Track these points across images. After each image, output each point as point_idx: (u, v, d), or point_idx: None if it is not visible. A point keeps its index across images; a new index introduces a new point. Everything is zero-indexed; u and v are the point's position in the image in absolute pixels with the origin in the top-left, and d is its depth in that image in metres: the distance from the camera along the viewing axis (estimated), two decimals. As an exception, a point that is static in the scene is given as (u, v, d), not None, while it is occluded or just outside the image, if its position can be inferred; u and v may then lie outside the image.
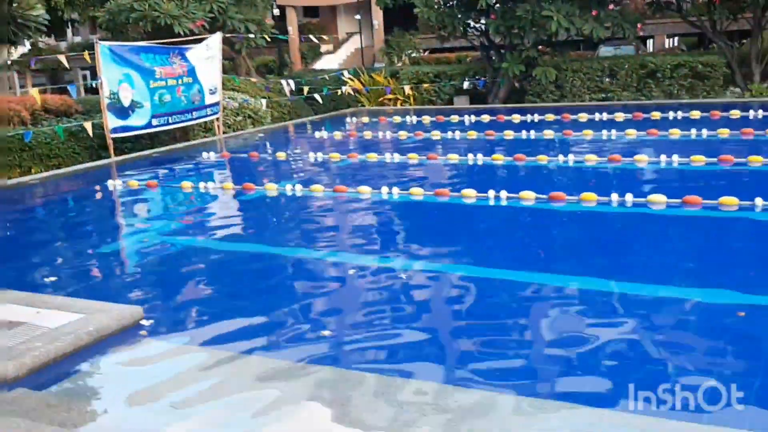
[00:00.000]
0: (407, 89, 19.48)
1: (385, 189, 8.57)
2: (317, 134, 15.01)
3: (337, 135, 14.59)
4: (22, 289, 5.43)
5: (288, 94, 18.03)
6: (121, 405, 3.69)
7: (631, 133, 11.91)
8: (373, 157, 11.21)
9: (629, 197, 7.30)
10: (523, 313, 4.86)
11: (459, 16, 18.46)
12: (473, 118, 15.81)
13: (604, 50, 23.84)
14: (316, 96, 18.21)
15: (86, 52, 12.97)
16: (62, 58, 13.03)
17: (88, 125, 12.14)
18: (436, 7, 18.56)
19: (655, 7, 18.49)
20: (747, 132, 11.35)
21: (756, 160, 8.99)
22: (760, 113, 13.38)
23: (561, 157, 10.10)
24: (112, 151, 12.52)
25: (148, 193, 9.80)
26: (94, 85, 14.17)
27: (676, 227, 6.85)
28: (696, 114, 13.75)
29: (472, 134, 13.32)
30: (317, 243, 6.94)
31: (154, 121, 13.37)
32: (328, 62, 30.89)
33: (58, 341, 4.14)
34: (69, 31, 31.43)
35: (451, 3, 18.64)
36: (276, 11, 29.45)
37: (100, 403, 3.75)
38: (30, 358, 3.96)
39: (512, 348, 4.28)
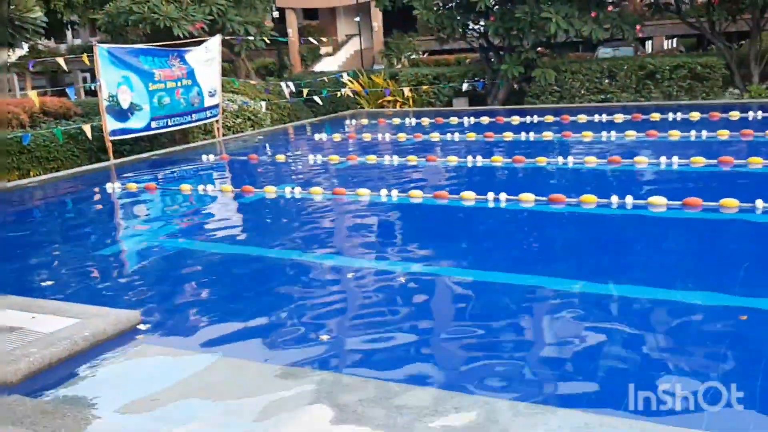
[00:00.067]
0: (406, 91, 19.45)
1: (384, 191, 8.54)
2: (317, 136, 14.98)
3: (337, 137, 14.56)
4: (18, 293, 5.40)
5: (287, 96, 18.01)
6: (118, 411, 3.65)
7: (631, 135, 11.89)
8: (372, 159, 11.19)
9: (629, 199, 7.27)
10: (523, 316, 4.84)
11: (458, 17, 18.45)
12: (472, 119, 15.79)
13: (603, 52, 23.83)
14: (316, 98, 18.19)
15: (85, 55, 12.95)
16: (61, 60, 13.01)
17: (86, 128, 12.12)
18: (435, 9, 18.55)
19: (654, 9, 18.46)
20: (746, 133, 11.32)
21: (756, 162, 8.97)
22: (760, 114, 13.36)
23: (560, 159, 10.07)
24: (111, 154, 12.50)
25: (147, 195, 9.77)
26: (93, 88, 14.12)
27: (676, 230, 6.83)
28: (695, 115, 13.73)
29: (472, 136, 13.30)
30: (316, 246, 6.91)
31: (154, 124, 13.35)
32: (328, 64, 30.88)
33: (53, 346, 4.11)
34: (69, 34, 31.45)
35: (450, 5, 18.63)
36: (275, 13, 29.42)
37: (96, 410, 3.72)
38: (25, 364, 3.93)
39: (512, 352, 4.24)
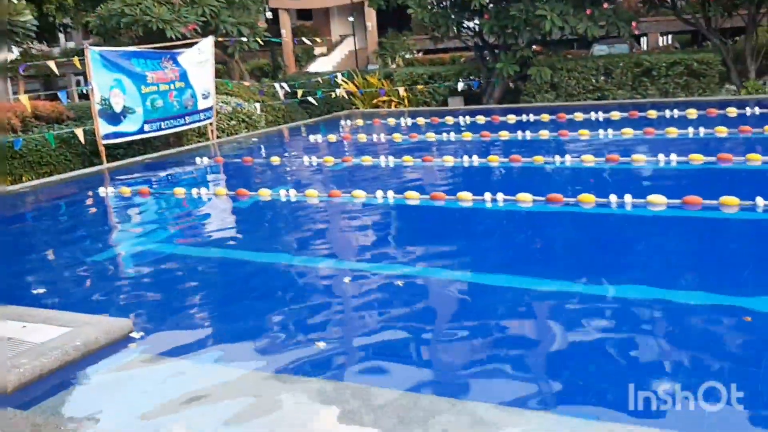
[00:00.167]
0: (401, 91, 19.38)
1: (380, 193, 8.46)
2: (311, 137, 14.89)
3: (332, 138, 14.47)
4: (9, 302, 5.30)
5: (282, 97, 17.91)
6: (110, 423, 3.57)
7: (628, 133, 11.82)
8: (367, 160, 11.10)
9: (628, 198, 7.19)
10: (523, 318, 4.76)
11: (452, 16, 18.37)
12: (468, 119, 15.72)
13: (598, 49, 23.78)
14: (311, 99, 18.09)
15: (76, 58, 12.84)
16: (51, 64, 12.90)
17: (79, 132, 12.01)
18: (429, 7, 18.48)
19: (650, 5, 18.42)
20: (744, 130, 11.26)
21: (755, 159, 8.91)
22: (757, 110, 13.31)
23: (558, 158, 9.99)
24: (104, 158, 12.39)
25: (140, 200, 9.67)
26: (85, 91, 14.03)
27: (676, 228, 6.75)
28: (692, 112, 13.67)
29: (468, 135, 13.23)
30: (312, 249, 6.83)
31: (147, 127, 13.24)
32: (322, 65, 30.79)
33: (44, 357, 4.02)
34: (62, 37, 31.29)
35: (444, 3, 18.56)
36: (269, 14, 29.32)
37: (88, 422, 3.62)
38: (15, 376, 3.84)
39: (510, 356, 4.15)
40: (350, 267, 6.05)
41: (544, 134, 12.47)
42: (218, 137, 15.16)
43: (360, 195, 8.57)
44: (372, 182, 9.59)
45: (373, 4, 19.77)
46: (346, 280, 5.71)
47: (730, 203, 6.89)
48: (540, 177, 9.50)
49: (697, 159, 9.18)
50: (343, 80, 19.96)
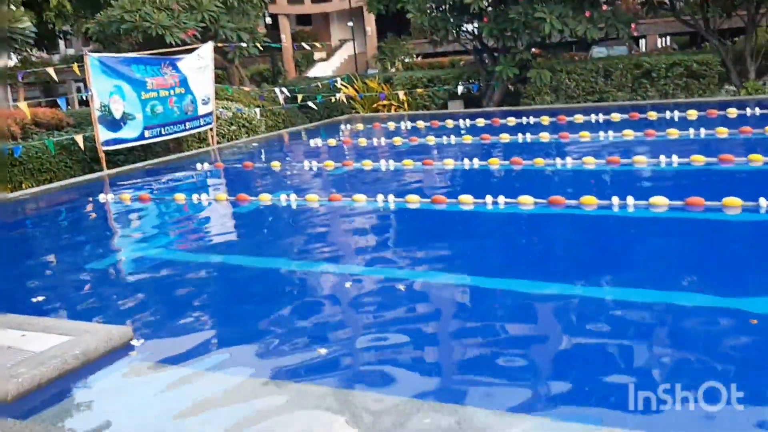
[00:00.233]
0: (401, 95, 19.37)
1: (380, 197, 8.42)
2: (312, 142, 14.86)
3: (332, 142, 14.45)
4: (9, 310, 5.27)
5: (282, 102, 17.90)
6: (110, 432, 3.53)
7: (629, 134, 11.79)
8: (368, 164, 11.06)
9: (630, 200, 7.15)
10: (526, 322, 4.72)
11: (452, 20, 18.37)
12: (468, 122, 15.69)
13: (597, 51, 23.80)
14: (310, 103, 18.08)
15: (75, 65, 12.83)
16: (51, 70, 12.89)
17: (79, 138, 11.99)
18: (428, 11, 18.47)
19: (648, 7, 18.41)
20: (745, 130, 11.23)
21: (757, 159, 8.86)
22: (757, 111, 13.28)
23: (558, 160, 9.96)
24: (104, 164, 12.37)
25: (141, 206, 9.64)
26: (85, 98, 14.01)
27: (680, 230, 6.71)
28: (693, 113, 13.64)
29: (468, 138, 13.20)
30: (313, 254, 6.79)
31: (147, 133, 13.22)
32: (322, 70, 30.83)
33: (43, 366, 3.98)
34: (62, 44, 31.33)
35: (443, 7, 18.55)
36: (268, 20, 29.36)
37: None
38: (14, 385, 3.80)
39: (514, 361, 4.11)
40: (352, 271, 6.01)
41: (545, 137, 12.44)
42: (218, 142, 15.14)
43: (361, 199, 8.54)
44: (373, 186, 9.56)
45: (373, 9, 19.77)
46: (348, 284, 5.67)
47: (733, 204, 6.85)
48: (541, 179, 9.46)
49: (699, 160, 9.14)
50: (342, 84, 19.96)
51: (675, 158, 9.19)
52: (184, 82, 13.93)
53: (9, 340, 4.38)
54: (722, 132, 11.27)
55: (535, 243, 6.87)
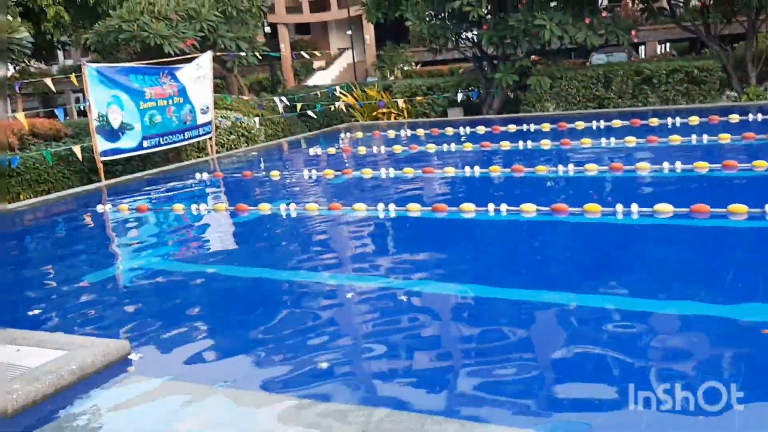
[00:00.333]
0: (400, 103, 19.32)
1: (381, 206, 8.33)
2: (311, 151, 14.79)
3: (331, 151, 14.38)
4: (3, 324, 5.17)
5: (281, 111, 17.85)
6: (106, 451, 3.43)
7: (631, 141, 11.71)
8: (368, 172, 10.98)
9: (635, 207, 7.06)
10: (531, 333, 4.61)
11: (451, 27, 18.33)
12: (468, 129, 15.62)
13: (597, 58, 23.78)
14: (310, 112, 18.02)
15: (73, 75, 12.77)
16: (48, 81, 12.82)
17: (77, 149, 11.91)
18: (427, 19, 18.44)
19: (648, 14, 18.38)
20: (748, 136, 11.16)
21: (761, 165, 8.77)
22: (759, 116, 13.21)
23: (560, 167, 9.87)
24: (102, 175, 12.29)
25: (139, 216, 9.54)
26: (83, 108, 13.96)
27: (686, 238, 6.61)
28: (695, 119, 13.57)
29: (468, 146, 13.12)
30: (313, 265, 6.69)
31: (145, 143, 13.15)
32: (321, 78, 30.83)
33: (37, 382, 3.87)
34: (60, 55, 31.31)
35: (442, 15, 18.52)
36: (267, 29, 29.37)
37: (82, 450, 3.49)
38: (8, 402, 3.69)
39: (517, 373, 4.01)
40: (353, 282, 5.91)
41: (546, 144, 12.36)
42: (218, 152, 15.07)
43: (361, 208, 8.45)
44: (373, 194, 9.48)
45: (371, 18, 19.75)
46: (349, 295, 5.57)
47: (739, 211, 6.76)
48: (543, 187, 9.38)
49: (702, 166, 9.06)
50: (342, 93, 19.91)
51: (678, 165, 9.11)
52: (182, 91, 13.87)
53: (3, 356, 4.28)
54: (725, 138, 11.20)
55: (538, 252, 6.77)
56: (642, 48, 28.71)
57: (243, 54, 17.85)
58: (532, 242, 7.10)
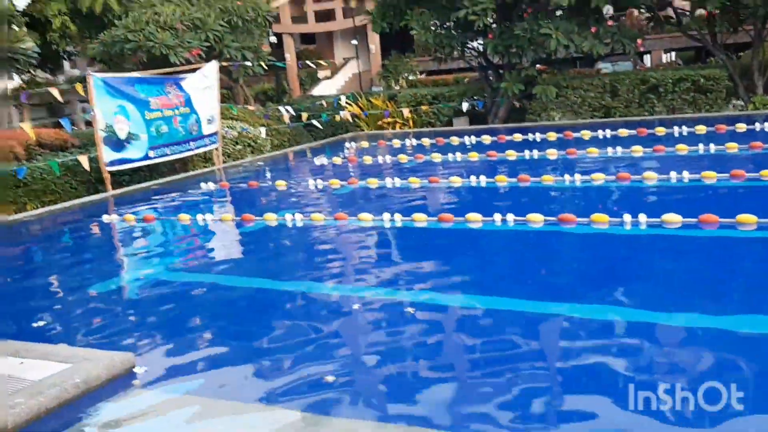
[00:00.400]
0: (406, 112, 19.31)
1: (387, 215, 8.30)
2: (317, 160, 14.79)
3: (337, 160, 14.37)
4: (7, 335, 5.15)
5: (287, 121, 17.86)
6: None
7: (638, 150, 11.66)
8: (373, 182, 10.96)
9: (643, 218, 7.00)
10: (540, 347, 4.57)
11: (456, 37, 18.33)
12: (474, 139, 15.59)
13: (602, 66, 23.75)
14: (315, 122, 18.03)
15: (79, 84, 12.80)
16: (54, 91, 12.86)
17: (83, 159, 11.93)
18: (433, 29, 18.44)
19: (654, 22, 18.35)
20: (756, 146, 11.10)
21: (769, 175, 8.72)
22: (766, 126, 13.13)
23: (567, 177, 9.81)
24: (108, 185, 12.29)
25: (145, 227, 9.53)
26: (89, 118, 13.99)
27: (695, 248, 6.55)
28: (701, 128, 13.51)
29: (474, 155, 13.08)
30: (319, 276, 6.66)
31: (152, 153, 13.16)
32: (326, 88, 30.85)
33: (41, 395, 3.84)
34: (67, 65, 31.46)
35: (447, 24, 18.52)
36: (273, 39, 29.45)
37: (86, 465, 3.45)
38: (10, 417, 3.66)
39: (525, 387, 3.96)
40: (360, 293, 5.87)
41: (552, 153, 12.31)
42: (224, 162, 15.07)
43: (367, 218, 8.42)
44: (378, 204, 9.45)
45: (377, 28, 19.76)
46: (356, 306, 5.53)
47: (748, 221, 6.70)
48: (550, 197, 9.34)
49: (710, 176, 9.00)
50: (347, 103, 19.92)
51: (686, 174, 9.05)
52: (188, 101, 13.89)
53: (7, 368, 4.25)
54: (732, 147, 11.14)
55: (546, 262, 6.70)
56: (647, 57, 28.66)
57: (249, 64, 17.89)
58: (539, 253, 7.03)
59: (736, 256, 6.31)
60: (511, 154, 12.62)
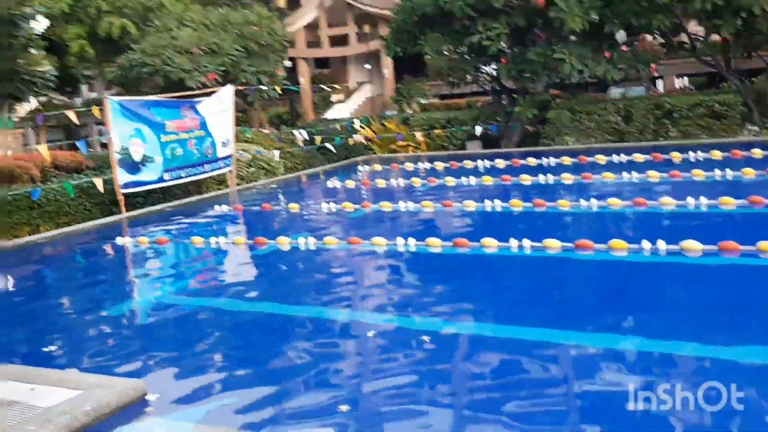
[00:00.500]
0: (419, 135, 19.32)
1: (401, 240, 8.23)
2: (330, 183, 14.79)
3: (350, 184, 14.36)
4: (21, 359, 5.12)
5: (301, 144, 17.92)
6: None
7: (653, 175, 11.56)
8: (387, 205, 10.91)
9: (662, 245, 6.89)
10: (559, 378, 4.46)
11: (470, 61, 18.39)
12: (487, 162, 15.54)
13: (615, 91, 23.70)
14: (329, 145, 18.08)
15: (95, 107, 12.90)
16: (71, 114, 12.95)
17: (98, 181, 11.99)
18: (446, 54, 18.51)
19: (668, 48, 18.33)
20: (773, 171, 10.97)
21: (789, 201, 8.59)
22: (783, 151, 13.02)
23: (583, 202, 9.72)
24: (123, 207, 12.32)
25: (158, 249, 9.53)
26: (105, 140, 14.10)
27: (716, 277, 6.43)
28: (717, 154, 13.40)
29: (488, 179, 13.03)
30: (332, 302, 6.59)
31: (166, 176, 13.21)
32: (340, 111, 30.98)
33: (51, 423, 3.78)
34: (84, 87, 31.86)
35: (461, 49, 18.59)
36: (288, 63, 29.70)
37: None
38: (20, 444, 3.61)
39: (540, 419, 3.86)
40: (373, 320, 5.79)
41: (567, 177, 12.24)
42: (237, 184, 15.10)
43: (381, 242, 8.35)
44: (392, 228, 9.40)
45: (390, 53, 19.89)
46: (370, 333, 5.45)
47: (770, 249, 6.57)
48: (566, 222, 9.25)
49: (728, 202, 8.88)
50: (361, 126, 19.97)
51: (703, 200, 8.94)
52: (203, 124, 13.97)
53: (17, 394, 4.20)
54: (749, 173, 11.01)
55: (564, 290, 6.59)
56: (660, 82, 28.61)
57: (264, 88, 18.01)
58: (556, 280, 6.92)
59: (757, 284, 6.18)
60: (526, 179, 12.56)
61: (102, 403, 4.03)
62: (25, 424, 3.77)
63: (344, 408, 4.05)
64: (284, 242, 8.92)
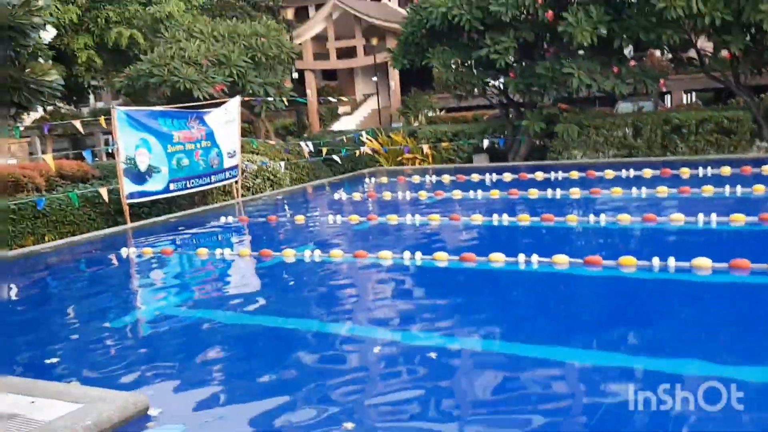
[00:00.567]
0: (426, 148, 19.28)
1: (407, 254, 8.15)
2: (336, 195, 14.73)
3: (356, 196, 14.30)
4: (22, 371, 5.04)
5: (307, 155, 17.90)
6: None
7: (662, 191, 11.46)
8: (393, 218, 10.84)
9: (672, 262, 6.80)
10: (569, 398, 4.36)
11: (477, 75, 18.37)
12: (494, 176, 15.46)
13: (623, 106, 23.66)
14: (335, 157, 18.05)
15: (102, 117, 12.90)
16: (77, 123, 12.97)
17: (103, 191, 11.96)
18: (453, 67, 18.50)
19: (677, 63, 18.28)
20: (784, 189, 10.87)
21: (800, 219, 8.49)
22: (794, 168, 12.91)
23: (592, 217, 9.63)
24: (128, 217, 12.28)
25: (162, 260, 9.46)
26: (111, 150, 14.10)
27: (727, 295, 6.32)
28: (726, 170, 13.30)
29: (495, 193, 12.95)
30: (337, 316, 6.51)
31: (172, 186, 13.17)
32: (346, 123, 31.04)
33: (50, 438, 3.71)
34: (91, 97, 32.00)
35: (468, 63, 18.59)
36: (295, 74, 29.76)
37: None
38: (19, 460, 3.53)
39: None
40: (379, 336, 5.71)
41: (575, 192, 12.15)
42: (243, 195, 15.06)
43: (387, 256, 8.27)
44: (398, 241, 9.32)
45: (397, 65, 19.90)
46: (376, 350, 5.36)
47: (783, 267, 6.47)
48: (574, 237, 9.16)
49: (739, 219, 8.78)
50: (367, 138, 19.95)
51: (714, 216, 8.84)
52: (210, 135, 13.95)
53: (17, 407, 4.13)
54: (759, 189, 10.91)
55: (572, 306, 6.50)
56: (668, 97, 28.57)
57: (271, 99, 18.01)
58: (565, 295, 6.83)
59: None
60: (533, 193, 12.47)
61: (103, 417, 3.95)
62: (23, 439, 3.70)
63: (349, 426, 3.96)
64: (289, 254, 8.85)
